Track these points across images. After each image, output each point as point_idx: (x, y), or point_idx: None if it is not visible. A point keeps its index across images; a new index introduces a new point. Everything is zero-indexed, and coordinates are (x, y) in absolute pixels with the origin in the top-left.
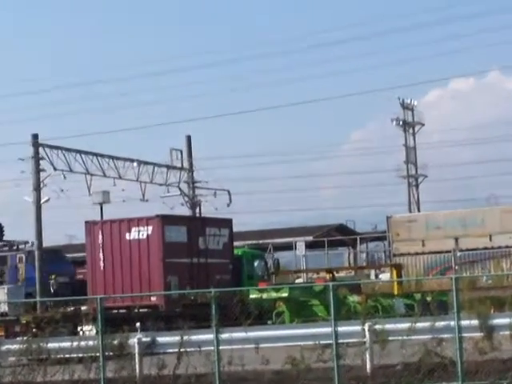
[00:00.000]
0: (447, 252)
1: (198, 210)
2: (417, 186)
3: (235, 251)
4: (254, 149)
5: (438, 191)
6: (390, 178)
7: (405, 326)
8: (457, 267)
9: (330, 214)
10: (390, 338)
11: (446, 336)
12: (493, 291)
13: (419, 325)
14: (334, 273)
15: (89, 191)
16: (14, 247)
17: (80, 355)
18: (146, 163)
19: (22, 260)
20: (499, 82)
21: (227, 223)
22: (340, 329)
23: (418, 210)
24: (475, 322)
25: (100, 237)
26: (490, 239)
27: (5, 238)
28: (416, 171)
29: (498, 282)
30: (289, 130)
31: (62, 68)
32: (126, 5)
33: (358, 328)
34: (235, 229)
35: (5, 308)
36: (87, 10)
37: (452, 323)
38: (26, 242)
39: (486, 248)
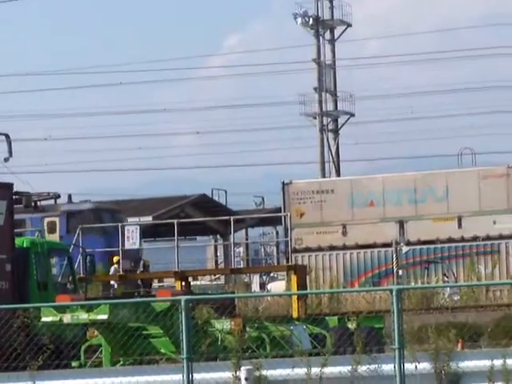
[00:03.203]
0: (385, 246)
1: None
2: (336, 131)
3: (17, 240)
4: (47, 62)
5: (370, 141)
6: (290, 117)
7: (310, 371)
8: (401, 272)
9: (184, 177)
10: None
11: None
12: (462, 314)
13: (334, 370)
14: (190, 280)
15: None
16: None
17: None
18: None
19: None
20: None
21: (4, 192)
22: (197, 376)
23: (338, 174)
24: (430, 366)
25: None
26: (460, 224)
27: None
28: (335, 106)
29: (470, 297)
30: (109, 34)
31: None
32: None
33: (227, 375)
34: None
35: None
36: None
37: (391, 367)
38: None
39: (451, 240)
